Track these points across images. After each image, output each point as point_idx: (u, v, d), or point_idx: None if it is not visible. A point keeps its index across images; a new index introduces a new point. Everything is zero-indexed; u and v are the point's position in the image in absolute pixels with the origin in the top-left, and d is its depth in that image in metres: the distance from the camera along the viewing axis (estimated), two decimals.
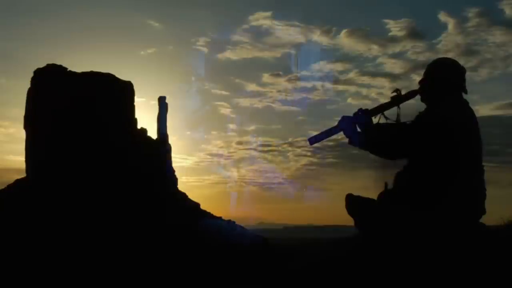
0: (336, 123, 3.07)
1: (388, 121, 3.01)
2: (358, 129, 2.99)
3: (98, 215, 29.78)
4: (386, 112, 3.03)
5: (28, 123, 33.63)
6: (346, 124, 3.01)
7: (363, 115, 2.99)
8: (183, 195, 36.85)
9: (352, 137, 2.99)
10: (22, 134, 31.24)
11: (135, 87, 38.18)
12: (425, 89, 2.93)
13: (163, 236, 28.78)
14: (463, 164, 2.66)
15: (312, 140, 3.12)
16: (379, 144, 2.86)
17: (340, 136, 3.07)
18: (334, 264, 3.71)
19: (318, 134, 3.13)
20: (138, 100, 37.93)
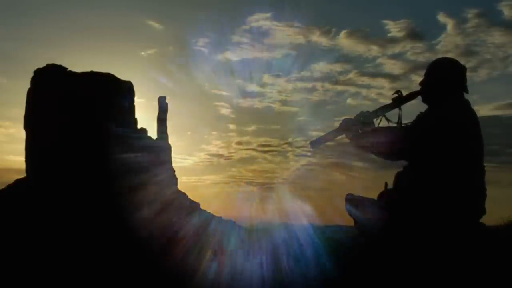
0: (337, 124, 3.07)
1: (390, 123, 3.01)
2: (360, 131, 2.99)
3: (98, 214, 29.80)
4: (388, 114, 3.03)
5: (28, 123, 33.64)
6: (347, 126, 3.01)
7: (365, 117, 2.99)
8: (183, 195, 36.87)
9: (354, 140, 2.99)
10: (22, 134, 31.23)
11: (135, 87, 38.10)
12: (426, 90, 2.93)
13: (163, 235, 28.85)
14: (464, 164, 2.66)
15: (314, 143, 3.12)
16: (381, 146, 2.86)
17: (341, 136, 3.07)
18: (334, 264, 3.71)
19: (320, 138, 3.13)
20: (138, 100, 37.82)
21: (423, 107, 2.95)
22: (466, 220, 2.67)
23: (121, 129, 33.22)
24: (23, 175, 31.63)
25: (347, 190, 3.15)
